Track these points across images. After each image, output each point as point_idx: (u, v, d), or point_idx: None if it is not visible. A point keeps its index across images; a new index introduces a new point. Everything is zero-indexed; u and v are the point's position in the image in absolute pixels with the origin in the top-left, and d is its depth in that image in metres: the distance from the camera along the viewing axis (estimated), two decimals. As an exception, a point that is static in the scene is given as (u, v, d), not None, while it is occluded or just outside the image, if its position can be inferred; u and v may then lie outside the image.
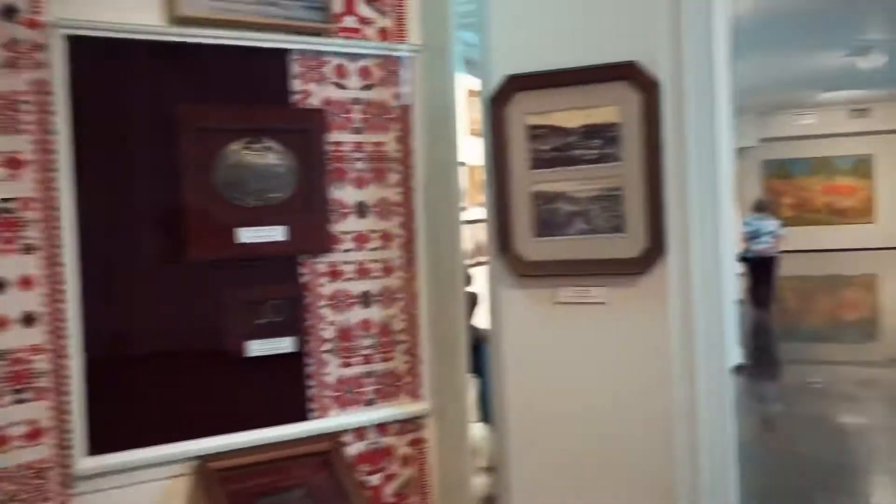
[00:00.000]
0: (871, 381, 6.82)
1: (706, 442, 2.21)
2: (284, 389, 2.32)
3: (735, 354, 7.23)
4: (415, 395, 2.50)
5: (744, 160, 22.49)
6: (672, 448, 2.17)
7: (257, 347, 2.26)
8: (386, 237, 2.46)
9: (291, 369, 2.32)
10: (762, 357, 8.55)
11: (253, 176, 2.25)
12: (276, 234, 2.27)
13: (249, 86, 2.29)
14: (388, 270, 2.47)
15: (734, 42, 11.95)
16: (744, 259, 11.40)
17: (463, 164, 2.48)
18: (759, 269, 11.10)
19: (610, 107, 2.17)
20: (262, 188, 2.27)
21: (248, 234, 2.24)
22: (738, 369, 7.21)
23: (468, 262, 4.51)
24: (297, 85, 2.33)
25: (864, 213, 22.48)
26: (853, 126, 21.97)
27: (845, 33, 12.68)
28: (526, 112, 2.25)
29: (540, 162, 2.25)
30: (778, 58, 14.38)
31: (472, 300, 3.77)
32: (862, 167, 22.52)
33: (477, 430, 3.13)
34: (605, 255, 2.19)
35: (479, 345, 3.26)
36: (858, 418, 5.77)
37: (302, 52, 2.32)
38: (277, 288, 2.31)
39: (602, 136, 2.19)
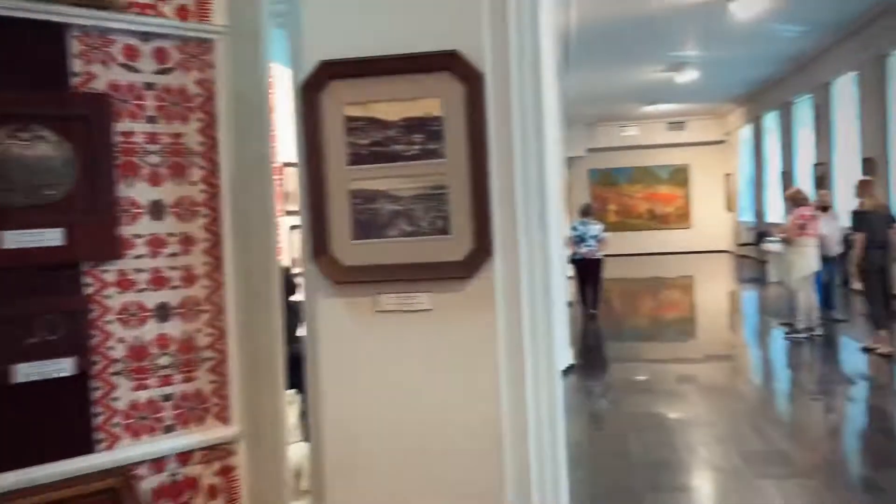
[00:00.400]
0: (690, 377, 7.18)
1: (536, 449, 2.10)
2: (64, 419, 1.99)
3: (566, 356, 7.38)
4: (223, 418, 2.23)
5: (573, 169, 23.49)
6: (501, 460, 2.05)
7: (27, 372, 1.92)
8: (187, 241, 2.18)
9: (72, 395, 2.00)
10: (591, 357, 8.83)
11: (20, 169, 1.92)
12: (50, 237, 1.95)
13: (17, 65, 1.95)
14: (189, 279, 2.19)
15: (563, 55, 12.42)
16: (572, 262, 11.82)
17: (293, 164, 2.24)
18: (586, 271, 11.50)
19: (432, 99, 2.02)
20: (33, 184, 1.94)
21: (14, 238, 1.90)
22: (569, 370, 7.37)
23: (296, 269, 4.28)
24: (77, 66, 2.01)
25: (681, 219, 24.10)
26: (671, 138, 23.53)
27: (662, 50, 13.50)
28: (343, 102, 2.05)
29: (358, 157, 2.06)
30: (603, 72, 15.09)
31: (298, 311, 3.52)
32: (679, 176, 24.14)
33: (301, 451, 2.89)
34: (430, 258, 2.04)
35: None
36: (681, 413, 6.03)
37: (83, 27, 2.01)
38: (53, 301, 1.98)
39: (424, 130, 2.03)
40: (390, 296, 2.07)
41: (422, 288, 2.05)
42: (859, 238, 7.31)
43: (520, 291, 2.06)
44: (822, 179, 13.76)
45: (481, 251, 2.00)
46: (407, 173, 2.04)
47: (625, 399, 6.43)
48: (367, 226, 2.06)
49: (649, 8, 10.61)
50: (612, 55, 13.61)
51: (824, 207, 9.02)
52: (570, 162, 23.50)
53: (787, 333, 8.48)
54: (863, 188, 7.94)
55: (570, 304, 11.33)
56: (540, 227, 2.13)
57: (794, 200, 8.50)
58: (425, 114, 2.03)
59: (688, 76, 14.39)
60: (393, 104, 2.04)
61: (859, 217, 7.45)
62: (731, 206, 22.91)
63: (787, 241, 8.37)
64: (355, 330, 2.09)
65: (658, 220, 24.26)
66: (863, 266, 7.37)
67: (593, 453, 4.99)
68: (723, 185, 23.33)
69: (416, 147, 2.04)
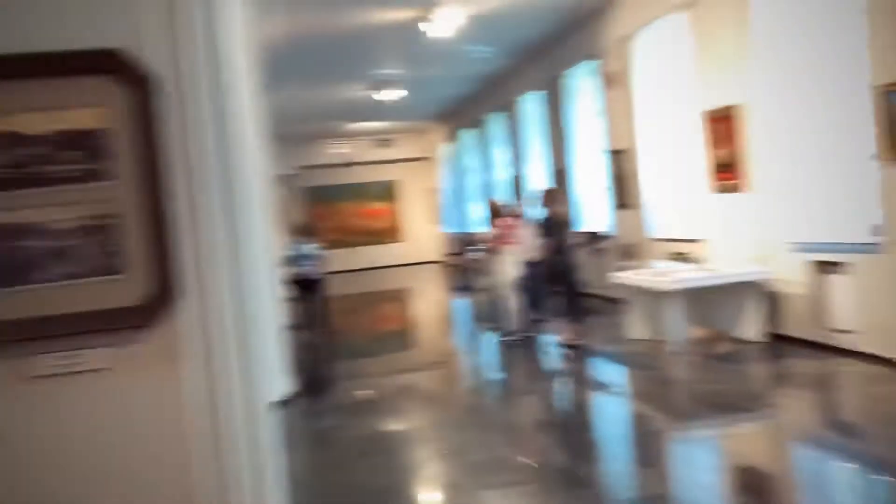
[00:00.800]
0: (414, 389, 7.24)
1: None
2: None
3: (285, 385, 7.04)
4: None
5: (287, 187, 23.09)
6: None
7: None
8: None
9: None
10: (316, 380, 8.59)
11: None
12: None
13: None
14: None
15: (268, 69, 12.09)
16: (293, 282, 11.51)
17: None
18: (306, 291, 11.28)
19: (90, 108, 1.65)
20: None
21: None
22: (290, 399, 7.04)
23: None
24: None
25: (393, 233, 24.80)
26: (380, 155, 24.14)
27: (363, 68, 13.71)
28: (-32, 113, 1.60)
29: (-8, 182, 1.62)
30: (310, 88, 14.97)
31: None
32: (388, 192, 24.84)
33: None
34: (99, 304, 1.65)
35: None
36: (407, 429, 5.99)
37: None
38: None
39: (84, 147, 1.65)
40: (49, 356, 1.65)
41: (90, 343, 1.65)
42: (547, 243, 7.90)
43: (213, 334, 1.75)
44: (519, 190, 14.86)
45: (163, 292, 1.66)
46: (62, 200, 1.64)
47: (351, 421, 6.26)
48: (11, 269, 1.62)
49: (349, 26, 10.67)
50: (317, 72, 13.53)
51: (518, 216, 9.63)
52: (284, 180, 23.16)
53: (502, 336, 8.91)
54: (549, 197, 8.61)
55: (291, 328, 10.99)
56: (235, 256, 1.84)
57: (494, 211, 8.98)
58: (83, 126, 1.65)
59: (391, 95, 14.75)
60: (37, 115, 1.63)
61: (547, 224, 8.02)
62: (436, 218, 24.02)
63: (490, 250, 8.79)
64: (4, 405, 1.63)
65: (373, 236, 24.72)
66: (551, 269, 7.96)
67: (319, 487, 4.73)
68: (429, 200, 24.40)
69: (76, 167, 1.66)
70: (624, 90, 10.07)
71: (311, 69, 13.23)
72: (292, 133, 21.01)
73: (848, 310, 6.60)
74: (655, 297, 7.45)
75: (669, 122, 9.24)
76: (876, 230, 6.19)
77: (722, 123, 7.83)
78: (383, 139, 23.80)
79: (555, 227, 7.91)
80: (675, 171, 9.28)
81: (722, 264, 7.62)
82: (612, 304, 9.86)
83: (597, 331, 9.46)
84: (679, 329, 7.34)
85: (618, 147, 10.42)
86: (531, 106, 14.10)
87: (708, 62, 8.07)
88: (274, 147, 16.37)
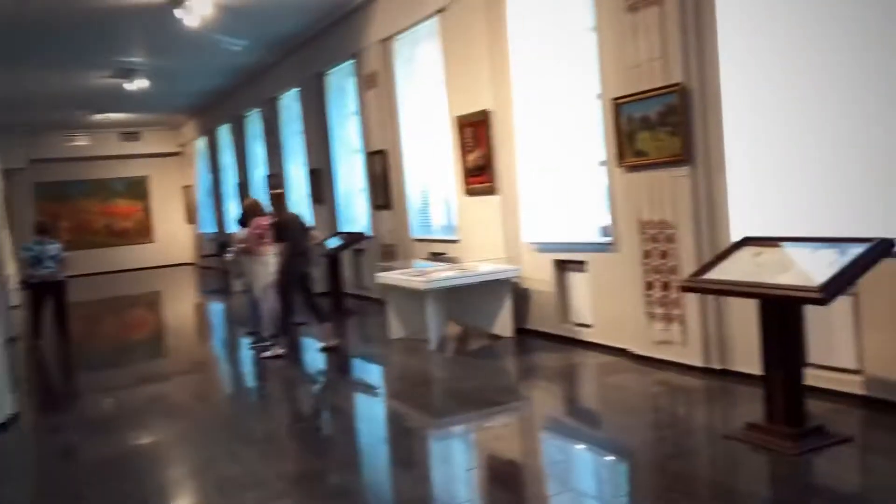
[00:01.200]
0: (161, 401, 6.75)
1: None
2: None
3: (4, 406, 6.24)
4: None
5: (13, 182, 20.70)
6: None
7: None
8: None
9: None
10: (47, 397, 7.71)
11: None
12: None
13: None
14: None
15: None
16: (29, 286, 10.43)
17: None
18: (46, 295, 10.33)
19: None
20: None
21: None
22: (11, 421, 6.25)
23: None
24: None
25: (142, 233, 23.16)
26: (126, 149, 22.41)
27: (107, 54, 12.60)
28: None
29: None
30: (41, 73, 13.49)
31: None
32: (137, 189, 23.15)
33: None
34: None
35: None
36: (153, 447, 5.53)
37: None
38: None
39: None
40: None
41: None
42: (283, 247, 7.71)
43: None
44: (276, 190, 14.47)
45: None
46: None
47: (89, 440, 5.64)
48: None
49: (89, 6, 9.72)
50: (50, 55, 12.20)
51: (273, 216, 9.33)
52: (8, 174, 20.71)
53: (253, 343, 8.56)
54: (276, 201, 8.54)
55: (14, 340, 9.81)
56: None
57: (250, 211, 8.61)
58: None
59: (138, 84, 13.71)
60: None
61: (279, 227, 7.81)
62: (191, 218, 22.81)
63: (248, 252, 8.42)
64: None
65: (118, 236, 22.94)
66: (286, 272, 7.76)
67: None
68: (182, 198, 23.11)
69: None
70: (384, 92, 10.13)
71: (44, 51, 11.91)
72: (18, 121, 18.86)
73: (586, 305, 7.13)
74: (414, 296, 7.55)
75: (428, 125, 9.44)
76: (605, 231, 6.77)
77: (472, 128, 8.12)
78: (130, 132, 22.14)
79: (284, 230, 7.74)
80: (434, 173, 9.50)
81: (476, 264, 7.89)
82: (375, 304, 9.89)
83: (358, 331, 9.44)
84: (436, 327, 7.49)
85: (376, 148, 10.47)
86: (291, 103, 13.78)
87: (458, 67, 8.33)
88: (-3, 137, 14.72)
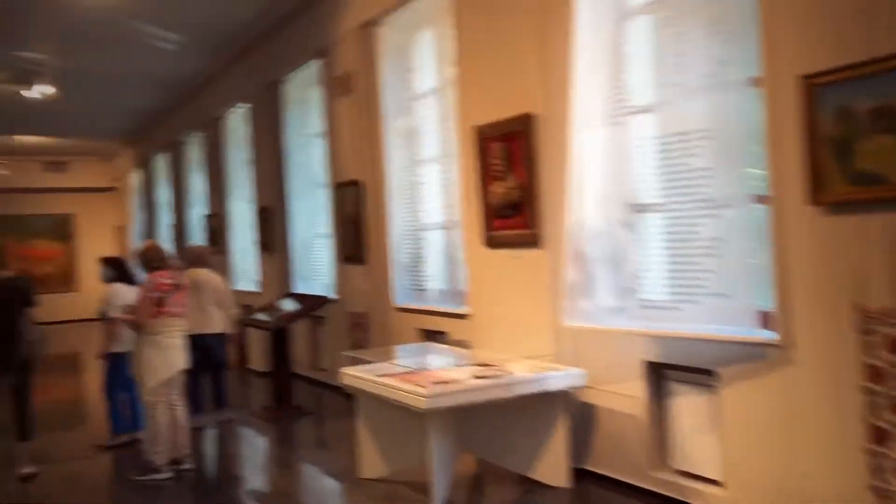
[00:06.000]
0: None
1: None
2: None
3: None
4: None
5: None
6: None
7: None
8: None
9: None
10: None
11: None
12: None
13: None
14: None
15: None
16: None
17: None
18: None
19: None
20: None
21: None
22: None
23: None
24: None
25: (65, 280, 19.67)
26: (50, 181, 19.08)
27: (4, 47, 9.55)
28: None
29: None
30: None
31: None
32: (61, 229, 19.76)
33: None
34: None
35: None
36: None
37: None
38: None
39: None
40: None
41: None
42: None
43: None
44: (215, 233, 11.37)
45: None
46: None
47: None
48: None
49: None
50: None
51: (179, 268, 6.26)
52: None
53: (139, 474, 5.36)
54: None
55: None
56: None
57: (150, 260, 5.46)
58: None
59: (39, 90, 10.55)
60: None
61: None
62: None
63: (137, 327, 5.27)
64: None
65: (37, 283, 19.39)
66: None
67: None
68: (114, 240, 19.72)
69: None
70: (364, 99, 7.17)
71: None
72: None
73: (709, 446, 4.07)
74: (402, 409, 4.44)
75: (426, 145, 6.48)
76: (761, 320, 3.73)
77: (502, 144, 5.18)
78: (55, 162, 18.85)
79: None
80: (431, 213, 6.50)
81: (505, 360, 4.83)
82: (339, 396, 6.77)
83: (305, 453, 6.21)
84: (444, 468, 4.38)
85: (348, 178, 7.45)
86: (238, 124, 10.75)
87: (482, 56, 5.41)
88: None
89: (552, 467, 4.58)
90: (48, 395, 8.75)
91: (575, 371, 4.56)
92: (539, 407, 4.57)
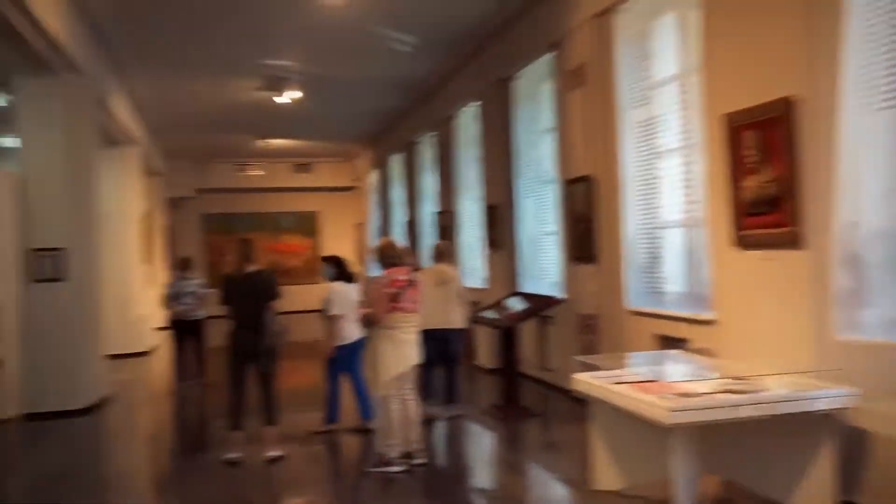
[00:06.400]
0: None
1: None
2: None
3: None
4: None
5: (179, 212, 19.49)
6: None
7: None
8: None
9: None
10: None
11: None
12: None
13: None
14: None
15: (101, 49, 8.52)
16: (171, 324, 9.44)
17: None
18: (183, 333, 9.34)
19: None
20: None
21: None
22: None
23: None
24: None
25: (309, 272, 21.08)
26: (297, 181, 20.55)
27: (252, 55, 10.37)
28: None
29: None
30: (183, 81, 11.52)
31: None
32: (307, 225, 21.27)
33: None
34: None
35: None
36: None
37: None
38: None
39: None
40: None
41: None
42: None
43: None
44: (445, 230, 11.57)
45: None
46: None
47: None
48: None
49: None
50: (184, 56, 10.12)
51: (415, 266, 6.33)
52: (175, 203, 19.47)
53: (372, 465, 5.47)
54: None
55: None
56: None
57: (387, 256, 5.56)
58: None
59: (289, 95, 11.31)
60: None
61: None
62: (361, 259, 20.52)
63: (372, 321, 5.38)
64: None
65: (284, 275, 21.06)
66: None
67: None
68: (353, 237, 20.92)
69: None
70: (598, 90, 6.87)
71: (175, 51, 9.85)
72: (185, 147, 17.45)
73: None
74: (644, 423, 4.11)
75: (666, 136, 6.06)
76: None
77: (756, 132, 4.65)
78: (301, 163, 20.33)
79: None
80: (671, 210, 6.08)
81: (759, 376, 4.32)
82: (568, 399, 6.54)
83: (533, 457, 6.00)
84: (688, 486, 4.00)
85: (578, 173, 7.19)
86: (468, 122, 10.85)
87: (735, 35, 4.91)
88: (165, 163, 12.89)
89: (814, 497, 4.02)
90: (289, 380, 9.36)
91: (846, 390, 3.97)
92: (800, 428, 4.03)
